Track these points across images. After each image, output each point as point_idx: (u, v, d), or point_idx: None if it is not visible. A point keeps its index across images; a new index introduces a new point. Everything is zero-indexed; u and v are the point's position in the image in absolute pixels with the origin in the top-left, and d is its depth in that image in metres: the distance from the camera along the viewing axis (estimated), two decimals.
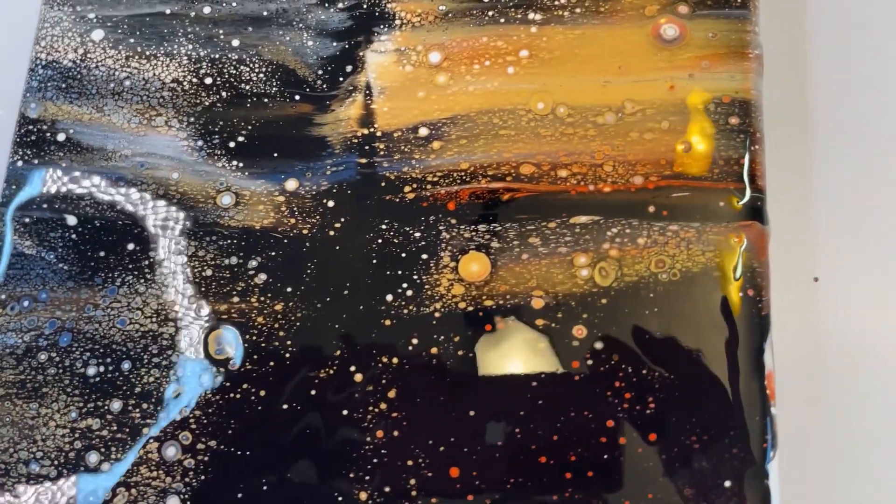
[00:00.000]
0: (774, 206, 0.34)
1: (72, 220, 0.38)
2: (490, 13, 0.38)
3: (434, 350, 0.34)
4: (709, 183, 0.34)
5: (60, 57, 0.40)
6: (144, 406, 0.35)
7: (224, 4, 0.40)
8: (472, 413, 0.33)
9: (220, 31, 0.40)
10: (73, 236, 0.37)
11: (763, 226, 0.34)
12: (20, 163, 0.38)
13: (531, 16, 0.37)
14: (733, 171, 0.34)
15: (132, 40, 0.40)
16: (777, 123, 0.38)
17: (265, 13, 0.40)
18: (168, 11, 0.40)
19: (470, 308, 0.34)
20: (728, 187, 0.34)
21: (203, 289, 0.36)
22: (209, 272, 0.36)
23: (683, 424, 0.32)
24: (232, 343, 0.35)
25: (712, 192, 0.34)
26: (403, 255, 0.35)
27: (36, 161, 0.38)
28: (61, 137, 0.39)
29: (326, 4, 0.39)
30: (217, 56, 0.39)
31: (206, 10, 0.40)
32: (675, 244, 0.34)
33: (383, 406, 0.34)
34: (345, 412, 0.34)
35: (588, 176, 0.35)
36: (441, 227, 0.35)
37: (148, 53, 0.40)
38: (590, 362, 0.33)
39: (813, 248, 0.39)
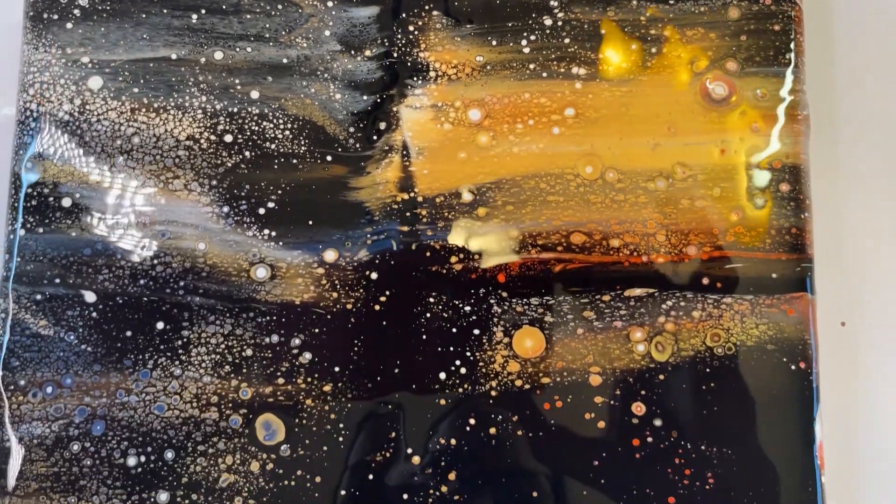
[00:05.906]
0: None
1: (90, 297, 0.35)
2: (531, 66, 0.36)
3: (493, 430, 0.34)
4: (761, 254, 0.34)
5: (54, 108, 0.36)
6: (194, 497, 0.34)
7: (238, 49, 0.37)
8: (534, 494, 0.33)
9: (237, 81, 0.36)
10: (94, 314, 0.35)
11: (811, 296, 0.34)
12: (22, 231, 0.35)
13: (575, 70, 0.36)
14: (785, 241, 0.34)
15: (136, 90, 0.36)
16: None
17: (285, 60, 0.36)
18: (174, 56, 0.36)
19: (527, 386, 0.34)
20: (780, 258, 0.34)
21: (245, 370, 0.34)
22: (249, 352, 0.35)
23: (741, 499, 0.33)
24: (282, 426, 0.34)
25: (765, 263, 0.34)
26: (454, 330, 0.34)
27: (41, 230, 0.35)
28: (66, 203, 0.35)
29: (353, 52, 0.36)
30: (235, 110, 0.36)
31: (218, 55, 0.37)
32: (729, 317, 0.34)
33: (444, 489, 0.34)
34: (405, 496, 0.33)
35: (641, 246, 0.35)
36: (492, 301, 0.35)
37: (156, 106, 0.36)
38: (650, 440, 0.33)
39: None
